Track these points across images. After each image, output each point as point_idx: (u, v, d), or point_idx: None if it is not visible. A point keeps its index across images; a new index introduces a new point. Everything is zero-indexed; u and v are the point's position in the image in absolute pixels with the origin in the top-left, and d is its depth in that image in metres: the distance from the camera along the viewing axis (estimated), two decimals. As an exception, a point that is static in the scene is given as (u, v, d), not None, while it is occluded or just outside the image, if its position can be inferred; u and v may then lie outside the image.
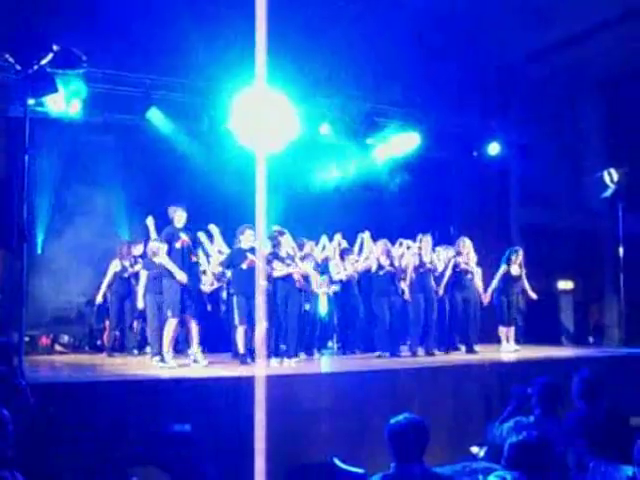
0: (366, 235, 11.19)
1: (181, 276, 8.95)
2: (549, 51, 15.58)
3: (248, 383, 7.23)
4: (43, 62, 5.98)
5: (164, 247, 9.07)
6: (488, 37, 14.40)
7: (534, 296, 12.11)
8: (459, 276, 11.49)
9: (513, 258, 11.84)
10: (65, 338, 11.79)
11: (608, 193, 13.15)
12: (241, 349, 9.30)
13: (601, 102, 17.87)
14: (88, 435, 6.12)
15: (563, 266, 16.48)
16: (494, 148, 14.11)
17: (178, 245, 9.06)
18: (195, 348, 9.17)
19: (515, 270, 11.85)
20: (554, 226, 16.32)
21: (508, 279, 11.87)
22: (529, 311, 14.94)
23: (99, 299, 11.07)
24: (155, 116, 11.24)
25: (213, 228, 10.15)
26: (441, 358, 10.58)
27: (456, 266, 11.40)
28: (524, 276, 12.00)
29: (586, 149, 17.96)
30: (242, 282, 9.29)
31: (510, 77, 16.04)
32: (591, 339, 16.17)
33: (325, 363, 10.04)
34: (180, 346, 10.18)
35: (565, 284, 16.77)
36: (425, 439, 4.05)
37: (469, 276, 11.60)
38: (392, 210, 13.81)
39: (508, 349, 11.60)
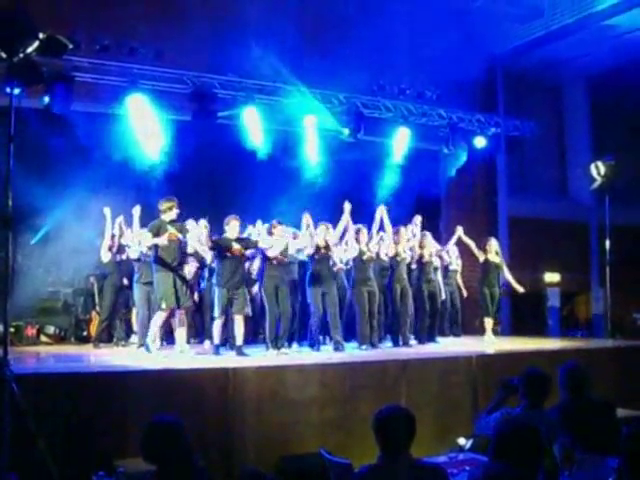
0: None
1: (162, 241, 8.93)
2: (534, 44, 15.63)
3: (237, 374, 7.25)
4: (29, 50, 5.91)
5: (149, 236, 9.08)
6: (475, 31, 14.43)
7: (520, 289, 12.05)
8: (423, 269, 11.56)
9: (487, 247, 11.91)
10: (51, 329, 11.74)
11: (595, 185, 13.19)
12: (216, 339, 9.37)
13: (588, 94, 17.96)
14: (74, 426, 6.10)
15: (550, 258, 16.57)
16: (480, 141, 14.12)
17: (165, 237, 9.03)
18: (181, 339, 9.22)
19: (493, 258, 11.90)
20: (541, 218, 16.39)
21: (488, 268, 11.94)
22: (516, 303, 15.05)
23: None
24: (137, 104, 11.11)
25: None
26: (428, 349, 10.60)
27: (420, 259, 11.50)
28: (505, 267, 12.09)
29: (573, 141, 18.06)
30: (223, 273, 9.37)
31: (497, 70, 16.09)
32: (578, 331, 16.28)
33: (311, 354, 10.03)
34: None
35: (552, 276, 16.85)
36: (412, 430, 4.05)
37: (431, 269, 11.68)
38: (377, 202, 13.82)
39: (489, 341, 11.72)
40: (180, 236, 9.24)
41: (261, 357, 9.11)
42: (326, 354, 9.73)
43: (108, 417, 6.27)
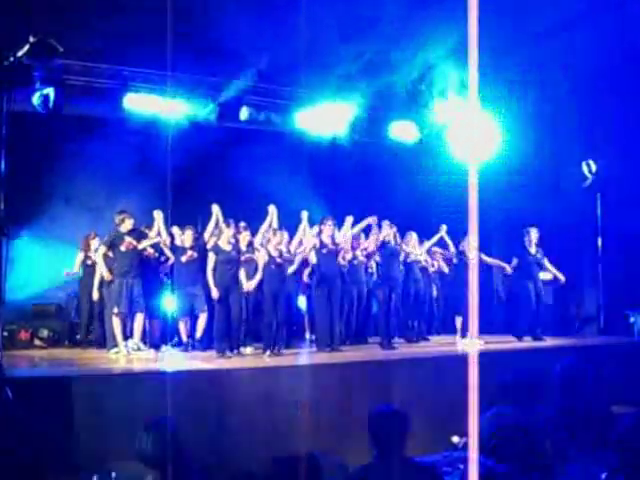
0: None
1: (106, 274, 9.84)
2: (525, 43, 15.62)
3: (232, 376, 7.26)
4: (19, 54, 5.90)
5: (103, 248, 9.91)
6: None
7: None
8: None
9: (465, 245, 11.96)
10: (44, 332, 11.70)
11: (587, 184, 13.22)
12: (184, 338, 10.23)
13: (579, 93, 17.97)
14: (67, 430, 6.09)
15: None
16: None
17: (123, 248, 9.73)
18: (136, 339, 9.75)
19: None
20: (532, 217, 16.39)
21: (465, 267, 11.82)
22: (509, 302, 15.05)
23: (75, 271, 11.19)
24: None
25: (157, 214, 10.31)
26: (421, 348, 10.62)
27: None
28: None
29: (564, 140, 18.05)
30: (181, 276, 10.13)
31: (486, 68, 16.08)
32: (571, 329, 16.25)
33: (303, 356, 10.05)
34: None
35: (544, 275, 16.85)
36: (406, 429, 4.06)
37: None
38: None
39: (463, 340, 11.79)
40: (135, 243, 9.86)
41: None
42: (319, 355, 9.72)
43: (102, 420, 6.26)
